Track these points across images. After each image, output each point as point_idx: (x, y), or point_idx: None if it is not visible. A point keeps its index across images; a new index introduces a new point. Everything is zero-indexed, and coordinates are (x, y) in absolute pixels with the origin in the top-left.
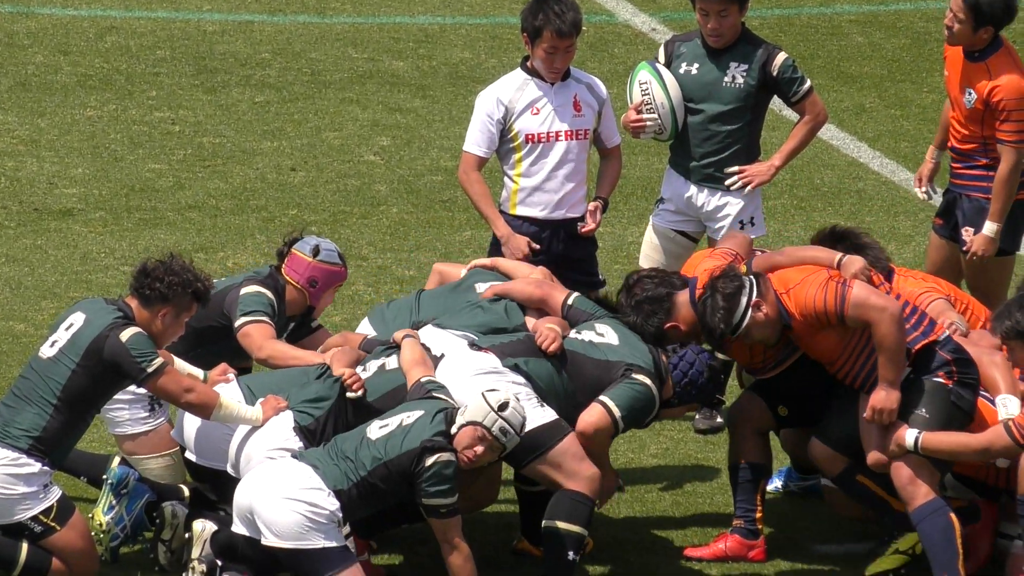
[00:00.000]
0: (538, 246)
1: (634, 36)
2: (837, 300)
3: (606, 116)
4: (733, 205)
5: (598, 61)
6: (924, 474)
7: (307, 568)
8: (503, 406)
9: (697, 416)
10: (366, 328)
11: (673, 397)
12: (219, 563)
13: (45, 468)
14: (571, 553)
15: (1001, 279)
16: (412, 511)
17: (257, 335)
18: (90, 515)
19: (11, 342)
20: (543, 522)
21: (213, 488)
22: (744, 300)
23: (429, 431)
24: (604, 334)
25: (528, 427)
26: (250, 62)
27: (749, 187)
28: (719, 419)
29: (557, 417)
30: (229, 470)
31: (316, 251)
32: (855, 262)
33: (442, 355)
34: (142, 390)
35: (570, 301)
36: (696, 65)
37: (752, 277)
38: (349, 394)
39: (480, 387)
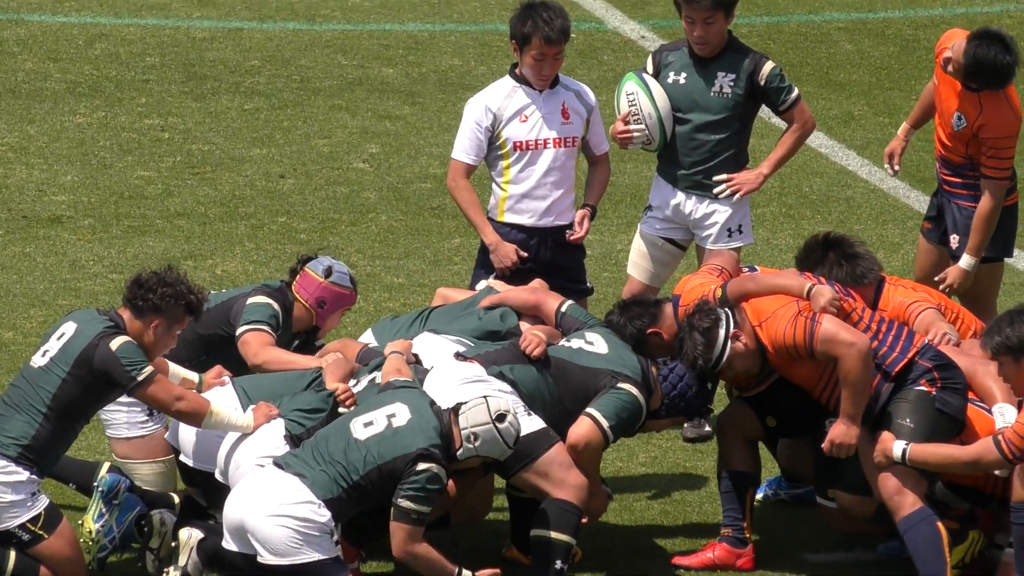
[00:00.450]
0: (526, 253)
1: (623, 43)
2: (806, 335)
3: (594, 123)
4: (721, 213)
5: (587, 68)
6: (911, 484)
7: None
8: (501, 416)
9: (686, 425)
10: (369, 339)
11: (661, 409)
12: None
13: (33, 476)
14: (559, 562)
15: (991, 286)
16: None
17: (255, 342)
18: (80, 522)
19: (0, 350)
20: (531, 531)
21: (205, 493)
22: (722, 332)
23: (425, 438)
24: (594, 342)
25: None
26: (239, 69)
27: (737, 195)
28: (707, 428)
29: (545, 426)
30: (218, 476)
31: (328, 272)
32: (823, 293)
33: (432, 367)
34: None
35: (564, 309)
36: (684, 75)
37: (727, 310)
38: (342, 410)
39: (467, 395)
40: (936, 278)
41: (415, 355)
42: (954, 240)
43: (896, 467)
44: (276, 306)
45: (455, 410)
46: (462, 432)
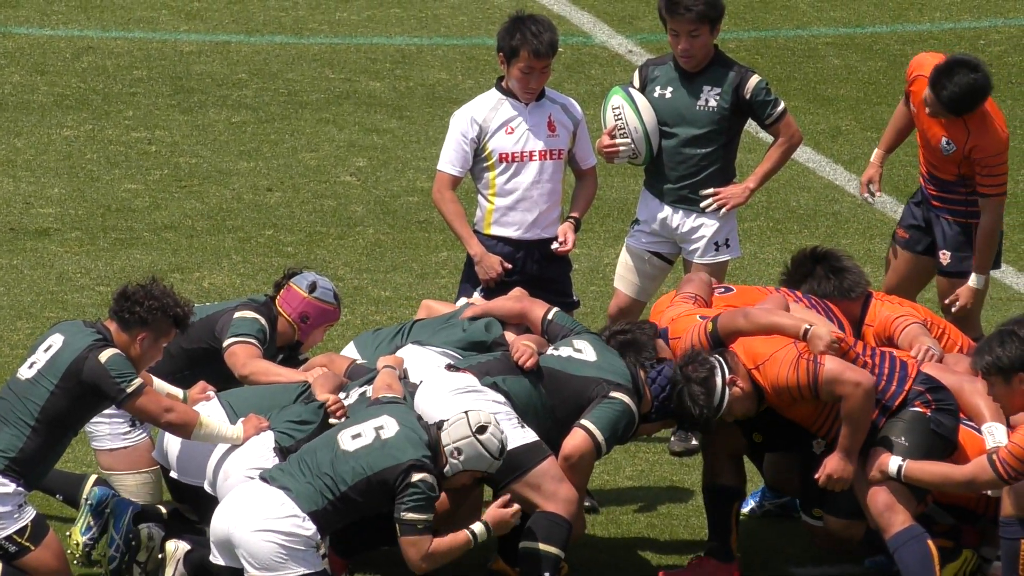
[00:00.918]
0: (511, 266)
1: (611, 58)
2: (809, 377)
3: (581, 137)
4: (708, 227)
5: (575, 83)
6: (902, 501)
7: None
8: (481, 428)
9: (672, 438)
10: (351, 353)
11: (651, 412)
12: None
13: (20, 489)
14: (547, 574)
15: (976, 302)
16: (390, 533)
17: (242, 354)
18: (67, 534)
19: None
20: (520, 543)
21: (195, 507)
22: (719, 380)
23: (414, 450)
24: (582, 350)
25: (508, 447)
26: (227, 82)
27: (724, 209)
28: (694, 441)
29: (537, 439)
30: (206, 487)
31: (312, 287)
32: (821, 336)
33: (421, 381)
34: None
35: (550, 316)
36: (670, 89)
37: (719, 356)
38: (332, 421)
39: (459, 406)
40: (947, 300)
41: (405, 370)
42: (944, 256)
43: (887, 484)
44: (263, 320)
45: (438, 427)
46: (445, 449)
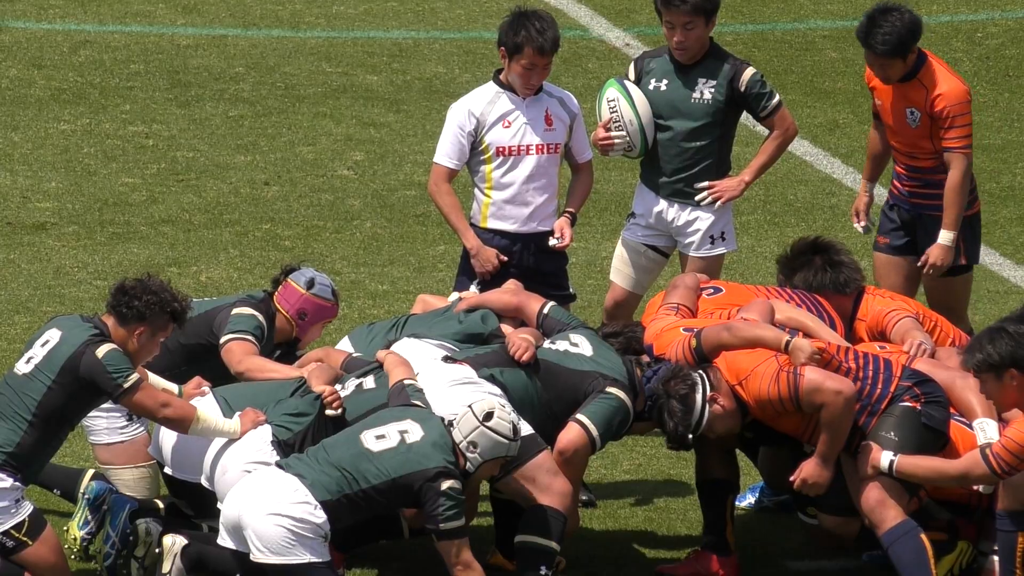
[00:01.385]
0: (506, 259)
1: (608, 51)
2: (791, 390)
3: (578, 131)
4: (703, 220)
5: (572, 76)
6: (894, 496)
7: None
8: (488, 416)
9: None
10: (346, 346)
11: (645, 411)
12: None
13: (17, 484)
14: (544, 568)
15: (963, 295)
16: (389, 527)
17: (238, 350)
18: (65, 528)
19: None
20: (516, 536)
21: (191, 503)
22: (699, 398)
23: (441, 455)
24: (578, 344)
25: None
26: (224, 76)
27: (719, 203)
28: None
29: (533, 432)
30: (203, 482)
31: (311, 284)
32: (802, 349)
33: (417, 375)
34: None
35: (545, 310)
36: (665, 81)
37: (702, 372)
38: (329, 412)
39: (457, 397)
40: (919, 263)
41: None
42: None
43: (878, 480)
44: (260, 318)
45: (449, 426)
46: (460, 446)
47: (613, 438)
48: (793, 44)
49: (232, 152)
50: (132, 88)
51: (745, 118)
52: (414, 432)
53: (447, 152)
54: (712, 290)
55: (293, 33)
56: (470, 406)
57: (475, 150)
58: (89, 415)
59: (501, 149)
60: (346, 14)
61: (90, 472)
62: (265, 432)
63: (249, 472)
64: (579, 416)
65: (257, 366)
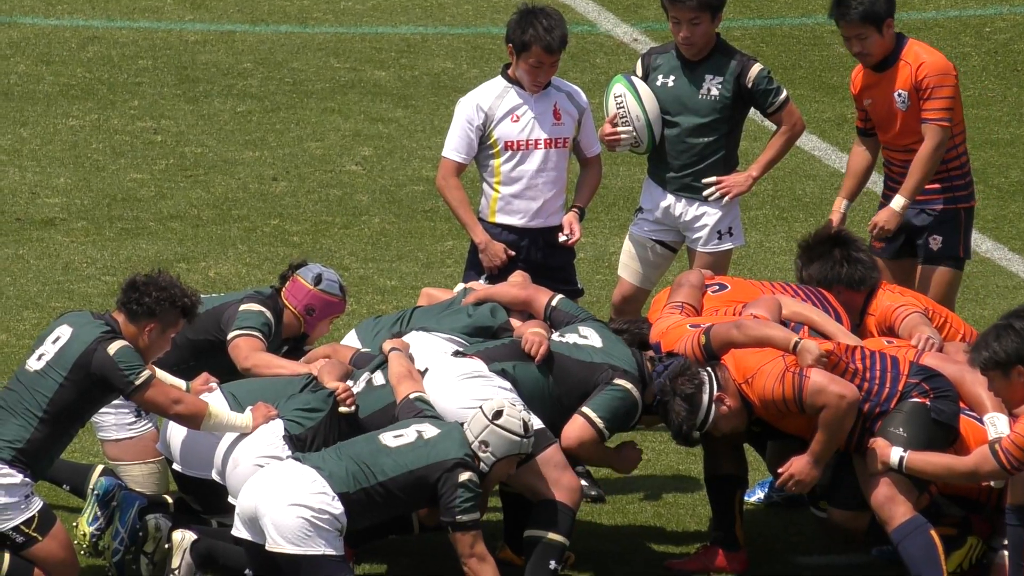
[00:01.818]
0: (514, 253)
1: (616, 46)
2: (795, 391)
3: (586, 125)
4: (711, 215)
5: (580, 71)
6: (903, 492)
7: None
8: (497, 414)
9: None
10: (352, 340)
11: (655, 404)
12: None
13: (27, 480)
14: (553, 563)
15: (952, 291)
16: (399, 523)
17: (245, 347)
18: (74, 524)
19: None
20: (525, 531)
21: (199, 499)
22: (705, 397)
23: (459, 448)
24: (587, 336)
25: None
26: (232, 72)
27: (727, 198)
28: None
29: (543, 426)
30: (214, 476)
31: (318, 280)
32: (810, 350)
33: (427, 369)
34: None
35: (554, 303)
36: (672, 77)
37: (710, 370)
38: (343, 409)
39: (467, 390)
40: (869, 227)
41: (411, 355)
42: (935, 241)
43: (888, 476)
44: (268, 314)
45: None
46: (472, 446)
47: (622, 428)
48: (801, 39)
49: (240, 148)
50: (140, 84)
51: (753, 113)
52: (430, 430)
53: (455, 146)
54: (717, 287)
55: (301, 29)
56: (480, 406)
57: (483, 144)
58: (98, 411)
59: (509, 143)
60: (354, 10)
61: (99, 468)
62: (277, 427)
63: (261, 466)
64: (583, 408)
65: (264, 362)
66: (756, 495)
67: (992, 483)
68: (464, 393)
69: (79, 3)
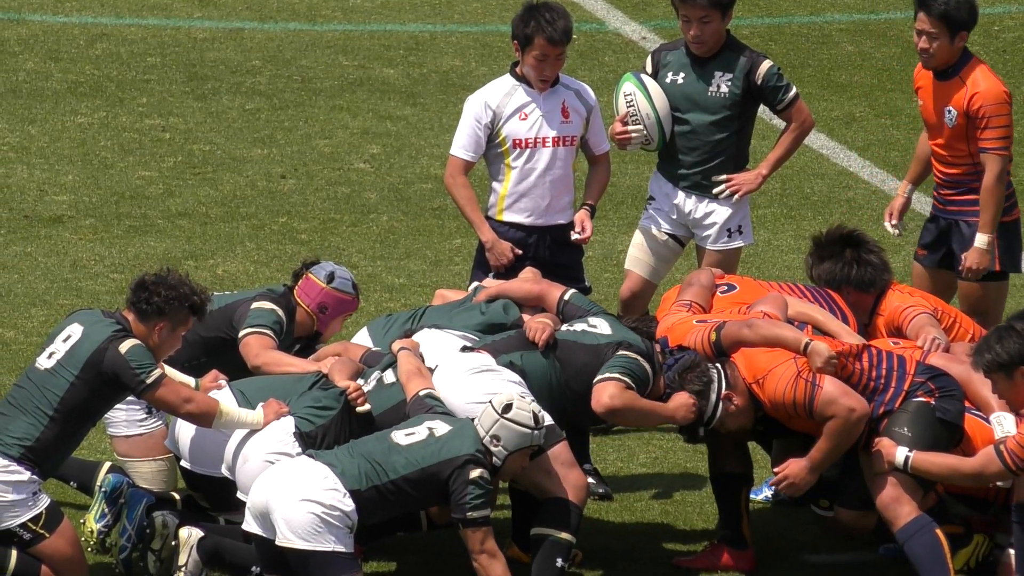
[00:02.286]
0: (521, 252)
1: (624, 44)
2: (807, 398)
3: (594, 123)
4: (721, 213)
5: (588, 69)
6: (908, 492)
7: (314, 573)
8: (507, 407)
9: None
10: (364, 338)
11: (663, 396)
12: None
13: (35, 477)
14: (559, 561)
15: (998, 301)
16: (407, 520)
17: (256, 344)
18: (82, 521)
19: (1, 349)
20: (532, 529)
21: (207, 496)
22: (714, 396)
23: (470, 444)
24: (597, 325)
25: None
26: (240, 69)
27: (737, 196)
28: None
29: (552, 423)
30: (224, 471)
31: (331, 278)
32: (820, 353)
33: (436, 366)
34: None
35: (566, 297)
36: (682, 75)
37: (719, 367)
38: (359, 410)
39: (477, 385)
40: (960, 267)
41: (420, 354)
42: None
43: (893, 475)
44: (280, 312)
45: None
46: (484, 441)
47: (641, 388)
48: (810, 37)
49: (249, 145)
50: (149, 81)
51: (763, 112)
52: (441, 428)
53: (463, 144)
54: (726, 287)
55: (310, 26)
56: (490, 401)
57: (491, 142)
58: None
59: (518, 141)
60: (363, 7)
61: (106, 465)
62: (288, 424)
63: (270, 463)
64: (597, 377)
65: (274, 360)
66: (763, 493)
67: (1000, 484)
68: (473, 388)
69: (88, 0)
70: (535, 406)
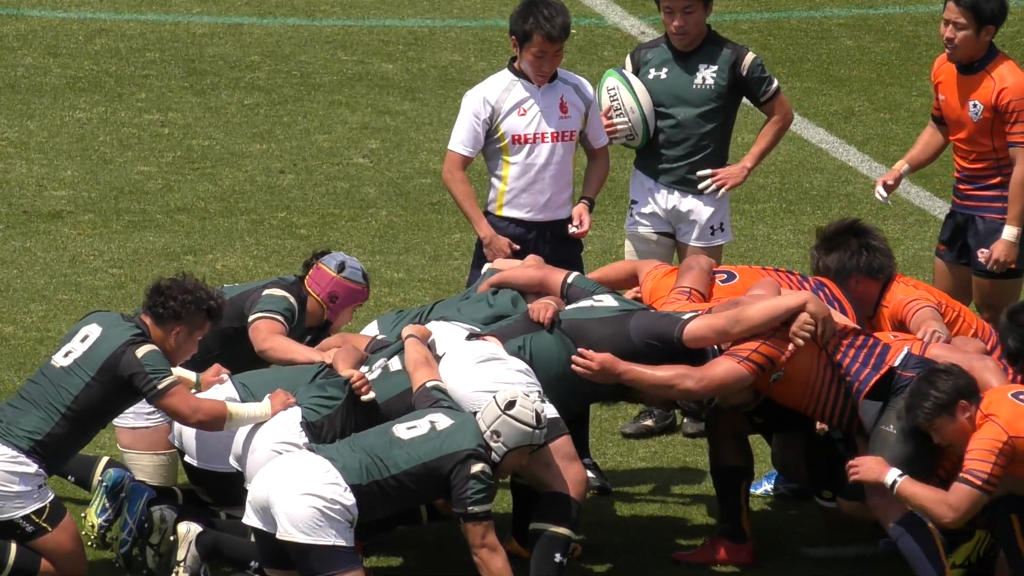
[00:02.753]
0: (519, 247)
1: (623, 39)
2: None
3: (593, 117)
4: (704, 211)
5: (587, 64)
6: None
7: (314, 567)
8: (510, 404)
9: (685, 420)
10: (372, 331)
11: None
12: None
13: (41, 471)
14: (558, 555)
15: (1010, 299)
16: (407, 513)
17: (264, 328)
18: (83, 515)
19: (0, 344)
20: (531, 523)
21: (210, 491)
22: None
23: (472, 439)
24: (602, 300)
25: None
26: (239, 64)
27: (723, 190)
28: None
29: (556, 416)
30: (232, 462)
31: (341, 267)
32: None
33: (444, 354)
34: None
35: (569, 280)
36: (664, 70)
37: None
38: (364, 398)
39: (484, 374)
40: (982, 259)
41: (433, 341)
42: (982, 255)
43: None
44: (292, 299)
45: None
46: (484, 435)
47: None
48: (809, 32)
49: (248, 140)
50: (148, 76)
51: (752, 107)
52: (443, 421)
53: (462, 139)
54: (725, 276)
55: (308, 21)
56: (494, 396)
57: (490, 138)
58: None
59: (516, 137)
60: (361, 2)
61: (104, 459)
62: (295, 414)
63: (278, 452)
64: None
65: (280, 346)
66: (763, 487)
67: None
68: (481, 377)
69: None
70: (539, 404)
